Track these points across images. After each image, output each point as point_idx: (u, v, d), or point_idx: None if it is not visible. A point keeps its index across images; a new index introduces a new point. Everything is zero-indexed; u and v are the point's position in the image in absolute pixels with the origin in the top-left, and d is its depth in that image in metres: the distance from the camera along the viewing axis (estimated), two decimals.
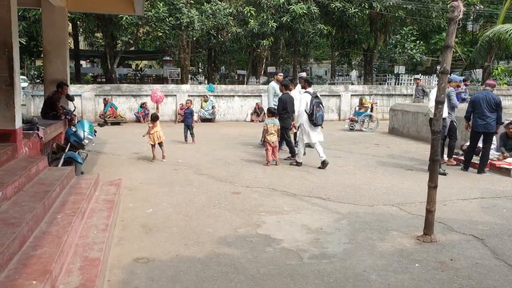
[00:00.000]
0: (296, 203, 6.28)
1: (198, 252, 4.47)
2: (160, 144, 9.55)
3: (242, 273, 4.01)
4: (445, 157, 9.17)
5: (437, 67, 26.80)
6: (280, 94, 9.89)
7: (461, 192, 6.98)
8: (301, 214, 5.78)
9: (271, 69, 28.67)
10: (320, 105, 8.73)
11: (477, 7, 27.88)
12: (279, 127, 8.94)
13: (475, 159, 8.68)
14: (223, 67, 32.89)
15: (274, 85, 11.00)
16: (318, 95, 9.10)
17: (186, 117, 11.84)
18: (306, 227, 5.28)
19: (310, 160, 9.50)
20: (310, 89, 8.95)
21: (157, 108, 15.92)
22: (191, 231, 5.09)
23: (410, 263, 4.28)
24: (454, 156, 9.32)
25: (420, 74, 25.04)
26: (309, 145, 9.56)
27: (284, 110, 9.39)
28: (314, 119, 8.57)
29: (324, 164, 8.65)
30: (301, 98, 8.88)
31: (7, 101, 5.51)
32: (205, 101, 18.07)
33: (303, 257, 4.38)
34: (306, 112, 8.60)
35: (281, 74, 11.66)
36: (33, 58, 28.54)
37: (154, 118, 9.82)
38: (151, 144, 9.48)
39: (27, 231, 3.72)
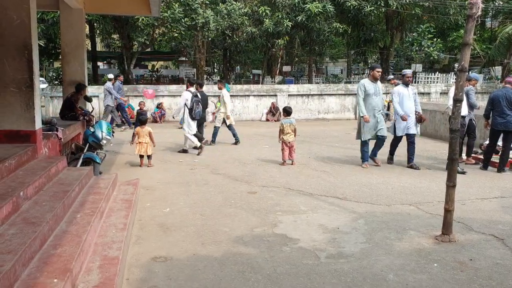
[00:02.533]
0: (312, 202, 6.26)
1: (215, 251, 4.49)
2: (149, 156, 8.81)
3: (259, 273, 4.01)
4: (464, 155, 9.05)
5: (455, 65, 26.45)
6: (371, 94, 8.41)
7: (480, 191, 6.88)
8: (318, 213, 5.76)
9: (286, 68, 28.61)
10: (199, 103, 10.22)
11: (496, 3, 27.42)
12: (296, 127, 8.94)
13: (495, 158, 8.54)
14: (238, 67, 32.94)
15: (364, 83, 8.63)
16: (198, 94, 10.46)
17: None
18: (322, 226, 5.26)
19: (326, 160, 9.47)
20: (192, 89, 10.37)
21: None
22: (207, 230, 5.12)
23: (429, 263, 4.24)
24: (473, 154, 9.19)
25: (437, 72, 24.73)
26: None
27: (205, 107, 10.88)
28: (193, 114, 10.03)
29: (201, 149, 10.13)
30: (182, 96, 10.37)
31: (27, 103, 5.61)
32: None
33: (320, 257, 4.37)
34: (187, 107, 10.09)
35: (379, 69, 8.88)
36: (51, 60, 28.95)
37: (143, 121, 9.10)
38: (139, 155, 8.74)
39: (47, 230, 3.79)
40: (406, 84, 8.90)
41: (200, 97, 10.49)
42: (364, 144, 8.71)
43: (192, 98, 10.14)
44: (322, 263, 4.23)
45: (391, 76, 16.28)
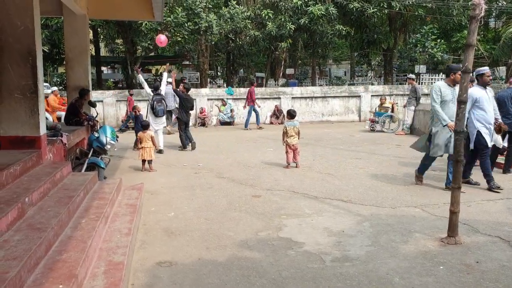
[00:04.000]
0: (317, 205, 6.25)
1: (219, 256, 4.48)
2: (149, 161, 8.82)
3: (264, 277, 4.00)
4: None
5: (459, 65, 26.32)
6: (448, 101, 7.01)
7: (486, 193, 6.84)
8: (323, 216, 5.75)
9: (289, 71, 28.66)
10: (163, 100, 10.94)
11: (500, 4, 27.34)
12: (299, 129, 8.93)
13: (500, 159, 8.49)
14: (242, 70, 32.98)
15: (440, 87, 7.20)
16: (162, 94, 11.20)
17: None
18: (327, 229, 5.24)
19: (331, 162, 9.45)
20: (157, 90, 11.08)
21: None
22: (212, 234, 5.11)
23: (434, 265, 4.21)
24: None
25: (441, 73, 24.65)
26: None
27: (183, 107, 11.47)
28: (155, 112, 10.79)
29: (160, 151, 10.66)
30: (148, 95, 11.30)
31: (31, 108, 5.64)
32: (224, 104, 18.15)
33: (325, 260, 4.36)
34: (151, 106, 10.88)
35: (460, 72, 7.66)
36: (55, 66, 29.10)
37: (145, 126, 9.15)
38: (142, 160, 8.78)
39: (52, 236, 3.79)
40: (484, 85, 7.38)
41: (162, 96, 11.14)
42: (431, 159, 7.34)
43: (153, 97, 10.90)
44: (328, 266, 4.22)
45: (412, 76, 15.74)
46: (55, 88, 16.17)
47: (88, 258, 3.70)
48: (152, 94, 10.97)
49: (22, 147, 5.57)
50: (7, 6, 5.44)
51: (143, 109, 15.94)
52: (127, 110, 16.35)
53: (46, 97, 13.98)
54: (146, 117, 11.46)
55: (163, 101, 10.99)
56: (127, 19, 16.53)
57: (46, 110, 14.21)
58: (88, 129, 8.76)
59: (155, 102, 10.83)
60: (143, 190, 6.70)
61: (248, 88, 17.36)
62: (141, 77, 11.49)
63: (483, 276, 3.97)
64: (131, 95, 16.73)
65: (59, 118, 14.47)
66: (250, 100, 16.61)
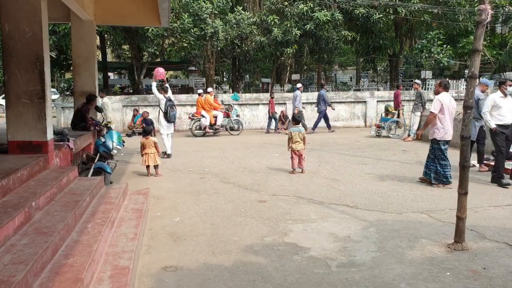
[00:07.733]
0: (323, 211, 6.23)
1: (225, 261, 4.48)
2: (155, 166, 8.75)
3: (269, 282, 3.99)
4: (475, 162, 8.93)
5: (465, 71, 26.29)
6: None
7: (493, 199, 6.80)
8: (328, 222, 5.73)
9: (295, 76, 28.68)
10: (174, 106, 11.07)
11: (506, 9, 27.25)
12: (305, 135, 8.92)
13: (507, 164, 8.43)
14: (248, 75, 33.06)
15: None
16: (172, 99, 11.26)
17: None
18: (333, 235, 5.23)
19: (336, 168, 9.43)
20: (167, 95, 11.01)
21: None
22: (218, 239, 5.11)
23: (441, 271, 4.18)
24: (485, 161, 9.05)
25: (447, 79, 24.57)
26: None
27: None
28: (168, 117, 10.82)
29: (168, 155, 10.91)
30: (158, 100, 11.13)
31: (39, 114, 5.68)
32: (230, 110, 18.16)
33: (331, 266, 4.34)
34: (163, 111, 10.83)
35: None
36: (63, 71, 29.32)
37: (148, 131, 9.01)
38: (146, 166, 8.70)
39: (59, 240, 3.81)
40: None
41: (173, 101, 11.25)
42: None
43: (166, 102, 10.91)
44: (333, 272, 4.20)
45: (418, 81, 15.50)
46: (210, 89, 17.02)
47: (94, 263, 3.71)
48: (164, 99, 10.95)
49: (29, 152, 5.62)
50: (15, 13, 5.51)
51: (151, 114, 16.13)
52: (268, 111, 17.34)
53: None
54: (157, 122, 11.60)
55: (174, 107, 11.11)
56: (133, 25, 16.65)
57: (203, 108, 15.58)
58: (95, 134, 8.81)
59: (168, 108, 10.87)
60: (149, 195, 6.72)
61: (394, 91, 17.80)
62: (154, 84, 11.39)
63: (491, 283, 3.94)
64: (272, 98, 17.44)
65: (215, 117, 15.70)
66: (397, 103, 16.67)
